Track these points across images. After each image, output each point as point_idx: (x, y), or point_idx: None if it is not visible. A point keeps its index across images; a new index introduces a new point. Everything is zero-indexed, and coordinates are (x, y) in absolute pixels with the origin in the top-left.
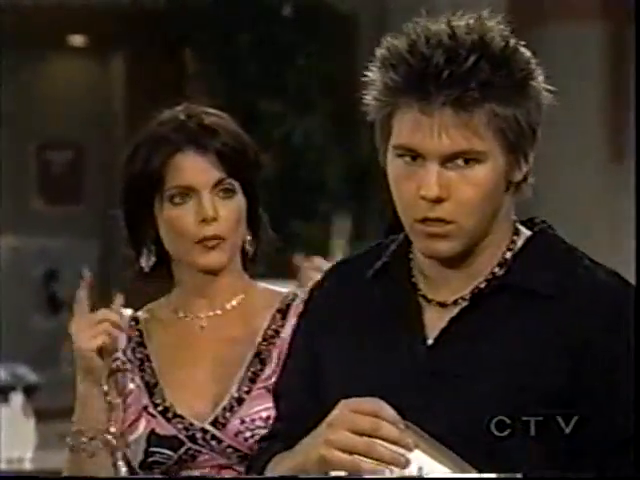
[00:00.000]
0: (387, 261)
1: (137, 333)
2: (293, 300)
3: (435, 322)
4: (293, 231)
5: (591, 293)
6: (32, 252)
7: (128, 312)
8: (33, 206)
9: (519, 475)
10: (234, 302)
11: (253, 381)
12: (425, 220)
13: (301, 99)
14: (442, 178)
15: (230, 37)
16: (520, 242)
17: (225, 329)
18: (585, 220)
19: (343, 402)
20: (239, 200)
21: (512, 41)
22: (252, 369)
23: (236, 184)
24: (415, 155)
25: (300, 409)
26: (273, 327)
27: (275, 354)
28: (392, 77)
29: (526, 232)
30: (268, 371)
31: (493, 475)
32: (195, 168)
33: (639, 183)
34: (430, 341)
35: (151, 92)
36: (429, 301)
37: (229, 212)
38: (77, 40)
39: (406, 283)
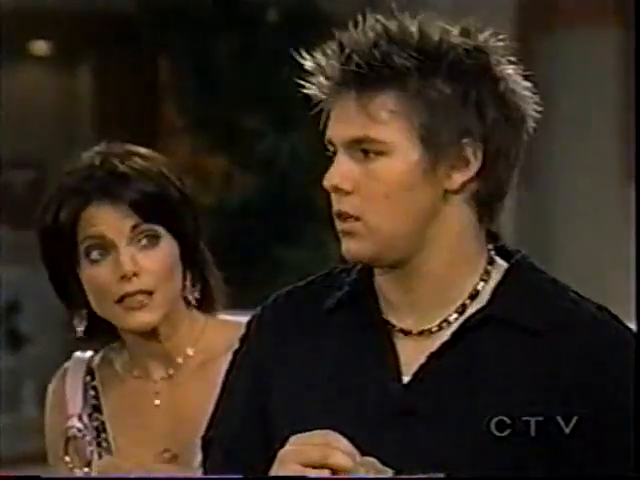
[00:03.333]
0: (350, 290)
1: (92, 393)
2: None
3: (410, 356)
4: (278, 257)
5: (582, 330)
6: None
7: (85, 357)
8: None
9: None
10: (187, 353)
11: None
12: (338, 214)
13: (286, 113)
14: (344, 168)
15: (208, 46)
16: (497, 273)
17: (182, 391)
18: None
19: (294, 437)
20: (166, 247)
21: (457, 40)
22: None
23: (160, 229)
24: (334, 150)
25: (244, 455)
26: None
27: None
28: (323, 73)
29: (502, 263)
30: None
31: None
32: (106, 218)
33: (639, 185)
34: (407, 378)
35: (121, 105)
36: (401, 331)
37: (154, 262)
38: (39, 47)
39: (374, 313)
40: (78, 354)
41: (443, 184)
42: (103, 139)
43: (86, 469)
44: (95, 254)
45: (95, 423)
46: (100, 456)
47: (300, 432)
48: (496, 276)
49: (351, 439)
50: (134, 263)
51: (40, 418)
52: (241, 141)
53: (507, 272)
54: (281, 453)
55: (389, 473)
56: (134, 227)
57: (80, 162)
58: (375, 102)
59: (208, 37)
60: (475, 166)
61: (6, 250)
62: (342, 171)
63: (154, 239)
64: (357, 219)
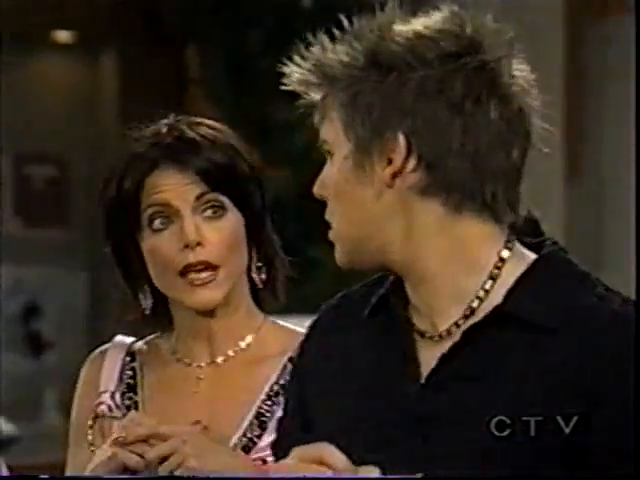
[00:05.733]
0: (384, 294)
1: (130, 373)
2: None
3: (428, 359)
4: (311, 257)
5: (599, 327)
6: (8, 282)
7: (127, 341)
8: (9, 229)
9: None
10: (239, 347)
11: (247, 450)
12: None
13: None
14: (322, 174)
15: (240, 32)
16: (519, 267)
17: (225, 382)
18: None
19: (293, 450)
20: (232, 219)
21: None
22: (249, 434)
23: (226, 200)
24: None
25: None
26: (281, 381)
27: (280, 416)
28: None
29: (530, 256)
30: (267, 439)
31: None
32: (172, 185)
33: (639, 184)
34: (422, 381)
35: (147, 98)
36: (421, 335)
37: (218, 234)
38: (63, 36)
39: (400, 317)
40: (120, 337)
41: (380, 179)
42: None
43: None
44: (158, 223)
45: (127, 402)
46: None
47: (328, 440)
48: (517, 271)
49: (375, 446)
50: (198, 233)
51: (62, 427)
52: (274, 135)
53: (531, 266)
54: (275, 467)
55: None
56: (200, 196)
57: (145, 130)
58: (325, 101)
59: (239, 24)
60: (399, 160)
61: (24, 249)
62: (320, 178)
63: (220, 210)
64: (331, 226)
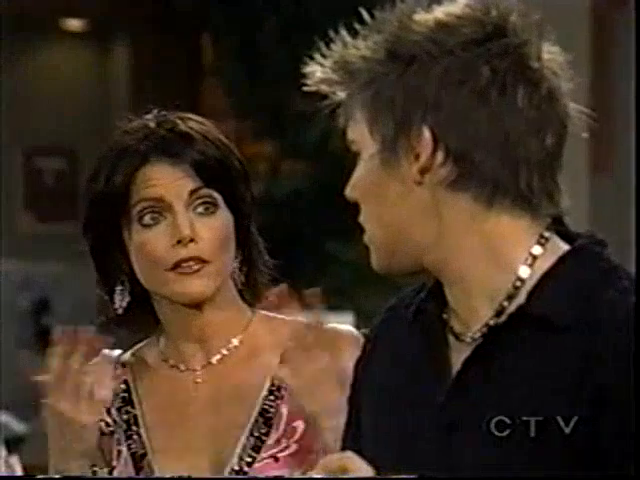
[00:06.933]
0: (424, 297)
1: (123, 387)
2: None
3: (458, 362)
4: (329, 252)
5: (613, 325)
6: (19, 278)
7: (114, 354)
8: (20, 223)
9: None
10: (233, 344)
11: (257, 449)
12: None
13: None
14: (353, 176)
15: (255, 22)
16: (547, 262)
17: (224, 383)
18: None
19: (320, 462)
20: (223, 216)
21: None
22: (256, 433)
23: (218, 197)
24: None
25: None
26: (281, 374)
27: (284, 411)
28: None
29: (563, 247)
30: (275, 435)
31: None
32: (165, 179)
33: (639, 184)
34: (450, 386)
35: (160, 87)
36: (457, 337)
37: (210, 230)
38: (73, 25)
39: (436, 319)
40: (106, 351)
41: (408, 176)
42: None
43: (105, 469)
44: (148, 218)
45: (126, 416)
46: (129, 448)
47: (376, 454)
48: (545, 266)
49: (404, 456)
50: (191, 229)
51: None
52: (290, 125)
53: (558, 260)
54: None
55: None
56: (193, 191)
57: (134, 123)
58: (349, 100)
59: (255, 12)
60: (426, 155)
61: (34, 244)
62: (351, 180)
63: (212, 207)
64: (364, 231)
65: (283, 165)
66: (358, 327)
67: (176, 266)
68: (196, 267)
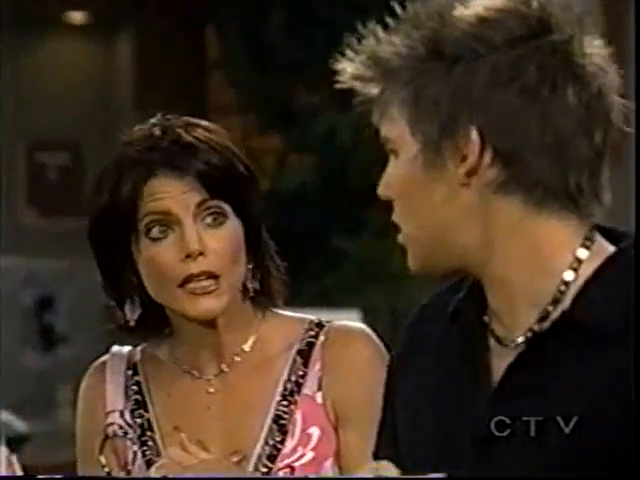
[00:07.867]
0: (463, 297)
1: (135, 388)
2: (316, 336)
3: (502, 368)
4: (336, 247)
5: None
6: (21, 274)
7: (124, 351)
8: (22, 219)
9: None
10: (243, 350)
11: (273, 458)
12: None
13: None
14: (387, 173)
15: (261, 14)
16: (594, 265)
17: (236, 391)
18: None
19: (355, 473)
20: (232, 226)
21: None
22: (271, 441)
23: (226, 207)
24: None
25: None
26: (293, 378)
27: (298, 417)
28: None
29: (607, 249)
30: (290, 443)
31: None
32: (171, 192)
33: (639, 183)
34: (492, 393)
35: (164, 82)
36: (500, 341)
37: (220, 242)
38: (76, 17)
39: (476, 322)
40: (117, 348)
41: (454, 178)
42: (145, 118)
43: (122, 473)
44: (156, 231)
45: (139, 420)
46: (144, 455)
47: (411, 456)
48: (590, 269)
49: (443, 464)
50: (200, 242)
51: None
52: (297, 119)
53: (604, 263)
54: None
55: None
56: (201, 203)
57: (138, 133)
58: (383, 97)
59: (261, 4)
60: (473, 156)
61: (37, 240)
62: (384, 178)
63: (220, 217)
64: (400, 229)
65: (289, 159)
66: (367, 325)
67: (186, 282)
68: (206, 284)
